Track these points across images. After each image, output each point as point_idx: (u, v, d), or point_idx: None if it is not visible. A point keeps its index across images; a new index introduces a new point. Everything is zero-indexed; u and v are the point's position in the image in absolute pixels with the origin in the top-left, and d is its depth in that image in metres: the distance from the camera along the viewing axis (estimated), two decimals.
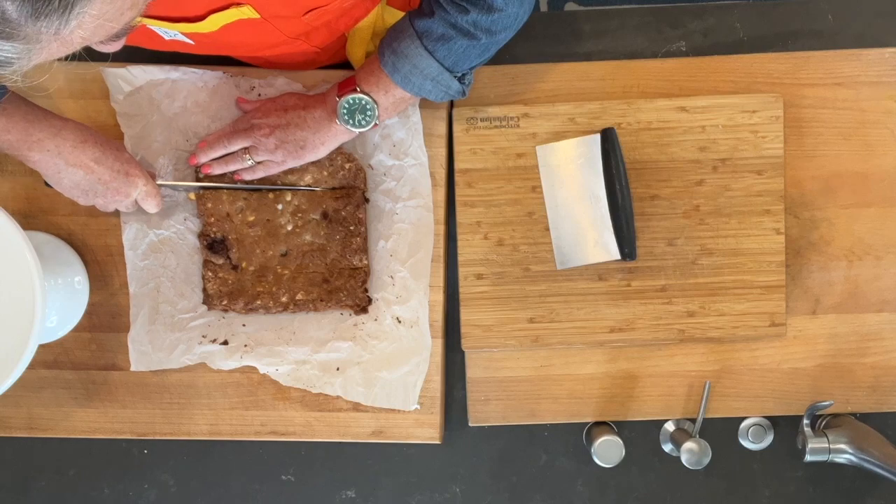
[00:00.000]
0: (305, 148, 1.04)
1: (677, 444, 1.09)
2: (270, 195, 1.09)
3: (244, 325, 1.11)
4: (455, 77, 0.99)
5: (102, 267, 1.12)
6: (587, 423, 1.14)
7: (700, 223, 1.10)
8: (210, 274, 1.09)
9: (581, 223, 1.09)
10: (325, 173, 1.09)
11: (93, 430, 1.14)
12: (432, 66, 0.97)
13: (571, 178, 1.09)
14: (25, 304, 0.92)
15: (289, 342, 1.11)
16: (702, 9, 1.13)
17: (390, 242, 1.11)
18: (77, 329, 1.12)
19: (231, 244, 1.09)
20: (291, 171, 1.08)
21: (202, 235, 1.10)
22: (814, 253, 1.12)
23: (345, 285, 1.09)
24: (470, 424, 1.14)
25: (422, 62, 0.97)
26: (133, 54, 1.05)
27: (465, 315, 1.11)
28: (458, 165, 1.10)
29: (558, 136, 1.10)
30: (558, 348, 1.12)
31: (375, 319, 1.11)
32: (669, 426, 1.14)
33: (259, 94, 1.10)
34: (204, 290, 1.10)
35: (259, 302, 1.09)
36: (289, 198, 1.09)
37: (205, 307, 1.11)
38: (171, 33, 0.91)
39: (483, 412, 1.14)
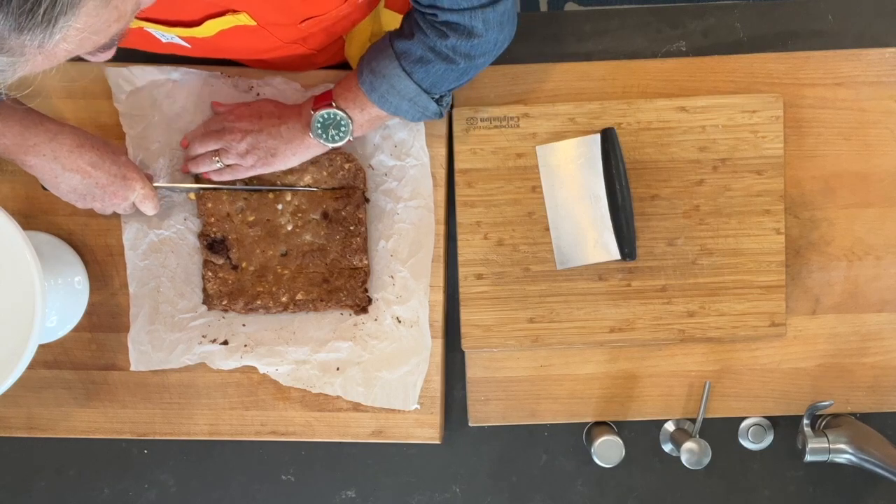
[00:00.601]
0: (276, 157, 1.04)
1: (677, 444, 1.09)
2: (270, 195, 1.09)
3: (244, 325, 1.11)
4: (433, 98, 0.98)
5: (102, 267, 1.12)
6: (587, 423, 1.14)
7: (700, 223, 1.10)
8: (210, 274, 1.09)
9: (581, 223, 1.09)
10: (325, 173, 1.09)
11: (93, 430, 1.14)
12: (410, 87, 0.96)
13: (571, 178, 1.09)
14: (25, 304, 0.92)
15: (289, 342, 1.11)
16: (702, 9, 1.13)
17: (391, 242, 1.11)
18: (77, 329, 1.12)
19: (231, 244, 1.09)
20: (291, 171, 1.08)
21: (202, 235, 1.10)
22: (814, 253, 1.12)
23: (345, 285, 1.09)
24: (470, 424, 1.14)
25: (399, 83, 0.96)
26: (131, 55, 1.05)
27: (465, 315, 1.11)
28: (458, 165, 1.10)
29: (558, 136, 1.10)
30: (558, 348, 1.12)
31: (375, 319, 1.11)
32: (669, 426, 1.14)
33: (258, 94, 1.10)
34: (204, 290, 1.10)
35: (259, 302, 1.09)
36: (289, 198, 1.09)
37: (205, 307, 1.11)
38: (168, 36, 0.91)
39: (483, 412, 1.14)
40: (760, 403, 1.13)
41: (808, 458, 1.06)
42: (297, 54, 1.03)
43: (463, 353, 1.13)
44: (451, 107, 1.10)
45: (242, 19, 0.86)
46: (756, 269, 1.10)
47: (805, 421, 1.07)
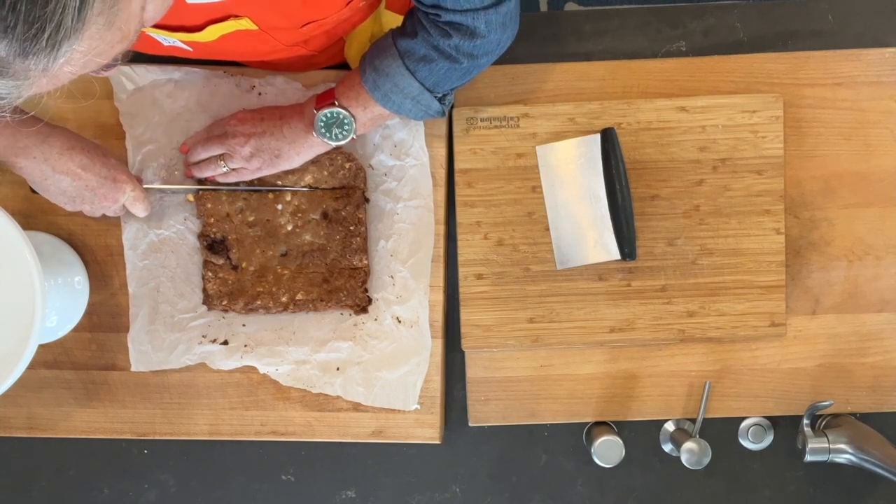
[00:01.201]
0: (280, 157, 1.04)
1: (677, 444, 1.09)
2: (270, 195, 1.09)
3: (244, 325, 1.11)
4: (435, 97, 0.98)
5: (102, 267, 1.12)
6: (587, 423, 1.14)
7: (700, 223, 1.10)
8: (210, 274, 1.09)
9: (581, 223, 1.09)
10: (325, 173, 1.09)
11: (93, 430, 1.14)
12: (413, 86, 0.96)
13: (571, 178, 1.09)
14: (25, 304, 0.92)
15: (289, 342, 1.11)
16: (702, 9, 1.13)
17: (391, 242, 1.11)
18: (77, 329, 1.12)
19: (231, 244, 1.09)
20: (291, 171, 1.08)
21: (202, 235, 1.10)
22: (814, 253, 1.12)
23: (345, 285, 1.09)
24: (470, 424, 1.14)
25: (402, 81, 0.96)
26: (132, 56, 1.05)
27: (465, 315, 1.11)
28: (458, 165, 1.10)
29: (558, 136, 1.10)
30: (558, 348, 1.12)
31: (375, 319, 1.11)
32: (669, 426, 1.14)
33: (259, 94, 1.10)
34: (204, 290, 1.10)
35: (259, 302, 1.09)
36: (289, 198, 1.09)
37: (205, 307, 1.11)
38: (170, 40, 0.91)
39: (483, 412, 1.14)
40: (760, 403, 1.13)
41: (808, 458, 1.06)
42: (298, 56, 1.04)
43: (463, 353, 1.13)
44: (451, 106, 1.10)
45: (244, 24, 0.86)
46: (756, 269, 1.10)
47: (805, 421, 1.07)
